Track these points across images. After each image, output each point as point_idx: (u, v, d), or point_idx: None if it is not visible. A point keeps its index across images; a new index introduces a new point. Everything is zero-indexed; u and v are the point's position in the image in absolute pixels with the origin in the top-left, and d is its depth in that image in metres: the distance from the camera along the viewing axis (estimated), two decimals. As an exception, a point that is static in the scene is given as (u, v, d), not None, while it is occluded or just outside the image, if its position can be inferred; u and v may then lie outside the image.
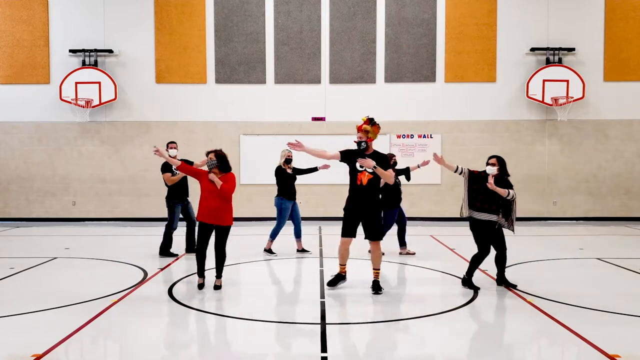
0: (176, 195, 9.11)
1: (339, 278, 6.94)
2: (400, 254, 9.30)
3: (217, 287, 6.87)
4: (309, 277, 7.79)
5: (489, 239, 6.80)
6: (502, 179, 6.77)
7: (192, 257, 9.13)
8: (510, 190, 6.65)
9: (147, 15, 14.44)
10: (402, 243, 9.35)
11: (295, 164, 9.63)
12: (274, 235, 9.40)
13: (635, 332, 5.30)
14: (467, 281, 6.94)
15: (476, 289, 6.79)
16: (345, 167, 6.81)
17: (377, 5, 14.38)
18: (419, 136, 14.46)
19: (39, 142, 14.55)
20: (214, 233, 6.82)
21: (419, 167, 9.55)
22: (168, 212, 9.17)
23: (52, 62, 14.50)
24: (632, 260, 8.81)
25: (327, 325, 5.42)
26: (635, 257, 9.16)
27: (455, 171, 6.91)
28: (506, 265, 6.99)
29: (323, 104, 14.48)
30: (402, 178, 9.42)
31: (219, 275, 6.95)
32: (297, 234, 9.50)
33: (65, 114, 14.44)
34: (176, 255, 9.13)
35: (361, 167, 6.57)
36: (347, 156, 6.69)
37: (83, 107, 14.10)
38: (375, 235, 6.68)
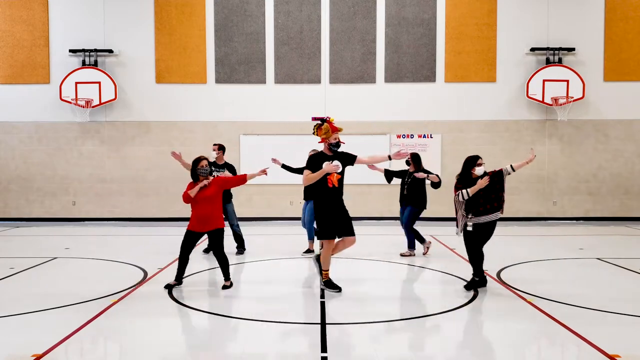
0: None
1: (331, 284, 6.79)
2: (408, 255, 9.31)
3: (226, 287, 6.90)
4: (309, 277, 7.79)
5: (486, 239, 6.79)
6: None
7: (192, 257, 9.15)
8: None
9: (147, 15, 14.44)
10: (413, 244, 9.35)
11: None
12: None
13: (635, 332, 5.30)
14: (476, 283, 6.83)
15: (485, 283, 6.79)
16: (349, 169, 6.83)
17: (377, 5, 14.38)
18: (419, 136, 14.46)
19: (39, 142, 14.55)
20: (206, 240, 6.85)
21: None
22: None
23: (52, 62, 14.50)
24: (632, 260, 8.81)
25: (327, 325, 5.42)
26: (635, 257, 9.16)
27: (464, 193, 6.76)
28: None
29: (323, 104, 14.47)
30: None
31: (227, 278, 6.96)
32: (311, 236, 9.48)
33: (65, 114, 14.44)
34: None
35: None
36: (316, 162, 6.67)
37: (83, 107, 14.10)
38: (351, 230, 6.72)
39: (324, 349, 4.77)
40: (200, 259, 8.97)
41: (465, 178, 6.79)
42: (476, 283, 6.84)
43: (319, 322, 5.56)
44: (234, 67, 14.49)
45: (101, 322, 5.57)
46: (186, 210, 14.39)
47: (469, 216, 6.70)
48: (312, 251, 9.39)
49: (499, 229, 13.83)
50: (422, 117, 14.46)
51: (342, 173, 6.66)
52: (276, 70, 14.50)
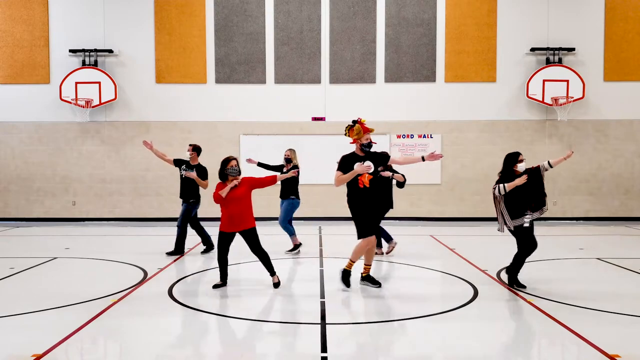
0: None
1: (370, 279, 6.95)
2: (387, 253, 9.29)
3: (277, 285, 6.93)
4: (309, 277, 7.79)
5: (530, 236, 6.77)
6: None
7: (192, 257, 9.16)
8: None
9: (147, 15, 14.44)
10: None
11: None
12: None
13: (635, 332, 5.30)
14: (513, 280, 6.89)
15: (522, 286, 6.81)
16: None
17: (377, 5, 14.38)
18: (419, 136, 14.46)
19: (39, 142, 14.55)
20: (241, 240, 6.90)
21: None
22: (191, 213, 9.40)
23: (52, 62, 14.50)
24: (632, 260, 8.81)
25: (327, 325, 5.42)
26: (635, 257, 9.16)
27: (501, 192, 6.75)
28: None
29: (323, 104, 14.48)
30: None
31: (272, 273, 7.00)
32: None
33: (65, 114, 14.45)
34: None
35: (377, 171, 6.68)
36: (348, 163, 6.69)
37: (83, 107, 14.11)
38: (376, 231, 6.88)
39: (324, 349, 4.77)
40: (200, 259, 8.98)
41: (506, 175, 6.80)
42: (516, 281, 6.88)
43: (319, 322, 5.56)
44: (234, 67, 14.49)
45: (101, 322, 5.57)
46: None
47: (526, 214, 6.66)
48: (299, 245, 9.39)
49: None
50: (422, 117, 14.46)
51: (374, 173, 6.67)
52: (276, 70, 14.50)
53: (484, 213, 14.39)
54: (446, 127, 14.46)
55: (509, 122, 14.44)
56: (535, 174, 6.78)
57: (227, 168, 6.83)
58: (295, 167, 9.33)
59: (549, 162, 6.86)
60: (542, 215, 6.75)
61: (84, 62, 14.33)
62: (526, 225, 6.69)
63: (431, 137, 14.43)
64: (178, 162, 9.38)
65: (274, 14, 14.42)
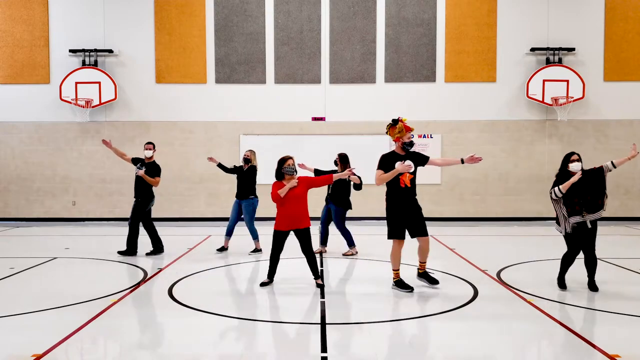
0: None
1: (402, 284, 6.82)
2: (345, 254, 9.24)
3: (320, 286, 6.94)
4: (309, 277, 7.79)
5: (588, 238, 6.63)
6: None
7: (192, 257, 9.15)
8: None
9: (147, 15, 14.44)
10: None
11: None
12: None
13: (635, 332, 5.30)
14: (561, 281, 6.86)
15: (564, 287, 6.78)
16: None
17: (377, 5, 14.38)
18: (419, 136, 14.45)
19: (39, 142, 14.55)
20: (295, 238, 6.97)
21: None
22: (141, 211, 9.34)
23: (52, 62, 14.50)
24: (632, 260, 8.81)
25: (327, 325, 5.42)
26: (635, 257, 9.16)
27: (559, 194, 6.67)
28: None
29: (323, 104, 14.48)
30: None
31: (317, 276, 7.03)
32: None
33: (65, 114, 14.45)
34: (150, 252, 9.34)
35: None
36: (389, 162, 6.64)
37: (83, 107, 14.11)
38: (425, 231, 6.74)
39: (324, 349, 4.77)
40: (200, 260, 8.97)
41: (562, 176, 6.75)
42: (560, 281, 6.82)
43: (319, 322, 5.56)
44: (234, 67, 14.49)
45: (101, 322, 5.57)
46: (185, 210, 14.43)
47: (583, 214, 6.55)
48: (260, 250, 9.36)
49: (499, 228, 13.83)
50: (422, 117, 14.45)
51: (414, 173, 6.64)
52: (276, 70, 14.50)
53: (484, 213, 14.40)
54: (446, 127, 14.46)
55: (509, 122, 14.44)
56: (597, 174, 6.68)
57: (284, 167, 6.87)
58: (254, 167, 9.38)
59: (612, 162, 6.80)
60: (600, 217, 6.57)
61: (84, 62, 14.33)
62: (577, 223, 6.48)
63: (431, 137, 14.43)
64: (135, 161, 9.45)
65: (274, 14, 14.42)
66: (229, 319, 5.81)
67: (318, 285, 6.95)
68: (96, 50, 14.32)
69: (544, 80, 14.00)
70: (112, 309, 5.99)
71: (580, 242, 6.66)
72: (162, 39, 14.43)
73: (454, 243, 10.51)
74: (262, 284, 7.00)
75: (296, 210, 6.84)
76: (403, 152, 6.68)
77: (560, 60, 14.18)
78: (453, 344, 5.05)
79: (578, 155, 6.85)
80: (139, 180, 9.25)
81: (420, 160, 6.73)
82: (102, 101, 14.15)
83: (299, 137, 14.08)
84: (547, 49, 14.19)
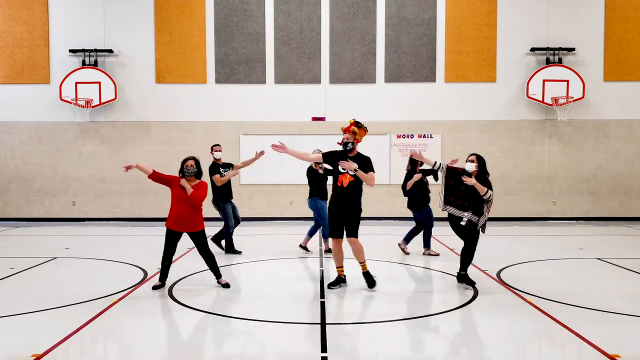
0: (225, 196, 9.24)
1: (339, 280, 6.98)
2: (424, 254, 9.31)
3: (226, 285, 6.95)
4: (309, 277, 7.79)
5: (460, 233, 6.87)
6: (483, 177, 6.87)
7: (192, 257, 9.15)
8: (489, 190, 6.72)
9: (147, 15, 14.44)
10: (427, 244, 9.35)
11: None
12: (312, 233, 9.51)
13: (635, 332, 5.30)
14: (463, 277, 6.95)
15: (472, 283, 6.83)
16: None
17: (377, 5, 14.38)
18: (419, 136, 14.46)
19: (39, 142, 14.55)
20: (188, 240, 6.92)
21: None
22: (221, 214, 9.30)
23: (52, 62, 14.50)
24: (632, 260, 8.81)
25: (327, 325, 5.42)
26: (635, 257, 9.16)
27: (434, 166, 7.03)
28: (469, 264, 6.96)
29: (323, 104, 14.48)
30: (430, 178, 9.49)
31: (218, 276, 7.01)
32: (325, 235, 9.43)
33: (65, 114, 14.45)
34: (240, 252, 9.36)
35: (343, 169, 6.68)
36: (330, 158, 6.87)
37: (83, 107, 14.11)
38: (352, 232, 6.79)
39: (324, 349, 4.77)
40: (200, 259, 8.96)
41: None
42: (462, 277, 6.98)
43: (319, 322, 5.56)
44: (234, 67, 14.49)
45: (101, 322, 5.57)
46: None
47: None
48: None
49: (499, 228, 13.82)
50: (422, 117, 14.46)
51: (355, 177, 6.70)
52: (276, 70, 14.50)
53: (484, 213, 14.39)
54: (446, 127, 14.46)
55: (509, 122, 14.44)
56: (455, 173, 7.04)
57: (185, 167, 6.98)
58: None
59: (441, 163, 7.13)
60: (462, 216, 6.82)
61: (84, 62, 14.33)
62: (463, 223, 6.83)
63: (431, 137, 14.43)
64: (223, 166, 9.40)
65: (274, 14, 14.42)
66: (229, 319, 5.81)
67: (224, 286, 6.94)
68: (96, 50, 14.32)
69: (544, 80, 14.00)
70: (112, 309, 5.99)
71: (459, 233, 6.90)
72: (162, 39, 14.43)
73: (454, 243, 10.50)
74: (155, 287, 6.87)
75: (186, 213, 6.78)
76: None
77: (560, 60, 14.18)
78: (453, 343, 5.05)
79: (476, 156, 7.04)
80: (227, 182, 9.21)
81: (364, 167, 6.73)
82: (102, 101, 14.15)
83: (299, 137, 14.07)
84: (547, 49, 14.19)
